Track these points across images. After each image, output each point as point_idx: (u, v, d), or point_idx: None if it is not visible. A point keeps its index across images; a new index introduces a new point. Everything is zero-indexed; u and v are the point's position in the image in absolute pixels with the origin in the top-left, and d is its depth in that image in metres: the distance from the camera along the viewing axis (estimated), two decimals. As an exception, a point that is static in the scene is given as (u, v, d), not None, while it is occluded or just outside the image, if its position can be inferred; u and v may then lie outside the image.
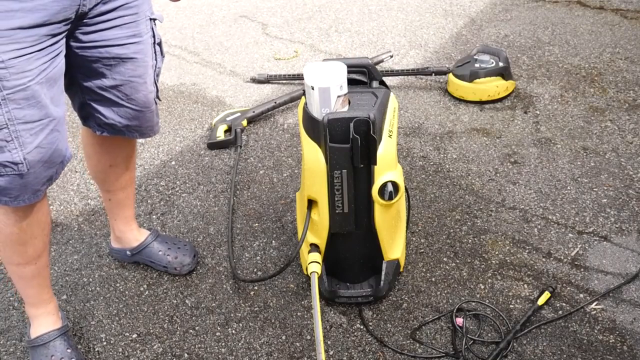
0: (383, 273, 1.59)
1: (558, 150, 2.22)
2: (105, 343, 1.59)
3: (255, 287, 1.72)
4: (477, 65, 2.52)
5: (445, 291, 1.67)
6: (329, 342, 1.55)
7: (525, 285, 1.67)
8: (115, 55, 1.31)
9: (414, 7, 3.55)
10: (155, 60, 1.42)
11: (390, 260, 1.59)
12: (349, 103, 1.43)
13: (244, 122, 2.45)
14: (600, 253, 1.76)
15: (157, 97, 1.47)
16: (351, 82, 1.51)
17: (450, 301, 1.64)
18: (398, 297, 1.66)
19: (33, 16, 1.10)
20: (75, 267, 1.84)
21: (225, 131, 2.41)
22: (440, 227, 1.89)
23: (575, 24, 3.17)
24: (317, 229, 1.52)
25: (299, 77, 2.76)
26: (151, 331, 1.61)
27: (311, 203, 1.51)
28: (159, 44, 1.42)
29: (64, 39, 1.21)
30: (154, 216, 2.02)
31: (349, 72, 1.47)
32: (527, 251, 1.78)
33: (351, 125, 1.33)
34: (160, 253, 1.76)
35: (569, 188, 2.02)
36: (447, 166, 2.17)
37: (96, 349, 1.58)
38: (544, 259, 1.75)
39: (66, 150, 1.26)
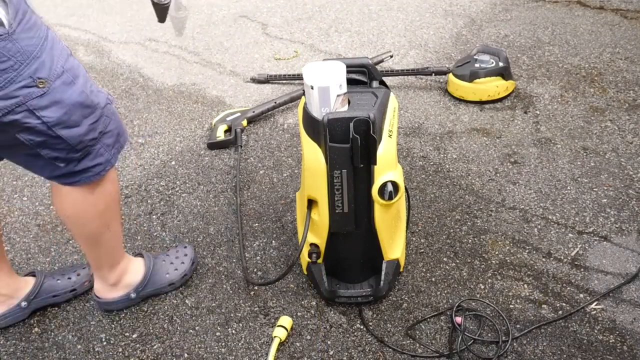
0: (383, 273, 1.59)
1: (558, 150, 2.22)
2: (105, 343, 1.59)
3: (255, 287, 1.72)
4: (477, 65, 2.52)
5: (445, 291, 1.67)
6: (329, 342, 1.55)
7: (525, 285, 1.67)
8: None
9: (414, 7, 3.56)
10: None
11: (390, 260, 1.60)
12: (349, 103, 1.43)
13: (244, 122, 2.45)
14: (600, 253, 1.76)
15: None
16: (351, 82, 1.51)
17: (450, 301, 1.64)
18: (398, 297, 1.66)
19: None
20: (75, 267, 1.84)
21: (225, 131, 2.41)
22: (440, 227, 1.89)
23: (575, 24, 3.17)
24: (317, 229, 1.52)
25: (299, 77, 2.76)
26: (151, 331, 1.61)
27: (311, 203, 1.51)
28: None
29: None
30: (154, 216, 2.02)
31: (349, 72, 1.47)
32: (527, 251, 1.78)
33: (351, 125, 1.33)
34: (59, 282, 1.68)
35: (569, 188, 2.02)
36: (447, 166, 2.17)
37: (96, 349, 1.58)
38: (544, 259, 1.75)
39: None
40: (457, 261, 1.77)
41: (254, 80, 2.84)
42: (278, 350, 1.53)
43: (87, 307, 1.70)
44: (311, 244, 1.56)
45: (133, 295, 1.64)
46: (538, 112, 2.45)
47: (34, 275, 1.66)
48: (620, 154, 2.16)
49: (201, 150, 2.37)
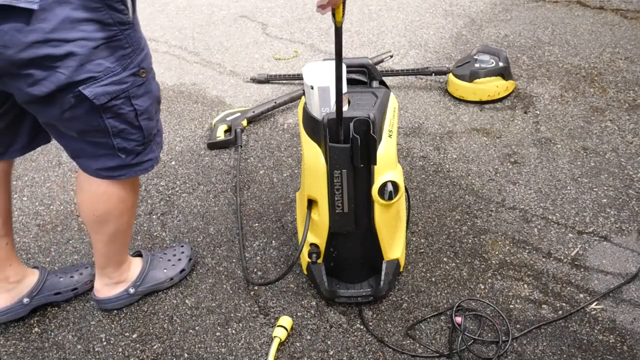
0: (383, 273, 1.59)
1: (558, 150, 2.22)
2: (105, 343, 1.59)
3: (255, 287, 1.72)
4: (477, 65, 2.52)
5: (445, 291, 1.67)
6: (329, 342, 1.55)
7: (525, 285, 1.67)
8: None
9: (414, 7, 3.55)
10: None
11: (390, 260, 1.59)
12: (349, 103, 1.43)
13: (244, 122, 2.45)
14: (600, 253, 1.76)
15: None
16: (351, 82, 1.51)
17: (450, 301, 1.64)
18: (398, 297, 1.66)
19: None
20: (75, 267, 1.84)
21: (225, 131, 2.41)
22: (440, 227, 1.89)
23: (575, 24, 3.17)
24: (317, 229, 1.52)
25: (299, 77, 2.76)
26: (151, 331, 1.61)
27: (311, 203, 1.51)
28: None
29: None
30: (154, 216, 2.02)
31: (349, 72, 1.47)
32: (527, 251, 1.78)
33: (351, 125, 1.33)
34: (62, 280, 1.68)
35: (569, 188, 2.02)
36: (447, 166, 2.17)
37: (96, 349, 1.58)
38: (544, 259, 1.75)
39: None
40: (457, 261, 1.77)
41: (254, 80, 2.83)
42: (278, 350, 1.53)
43: (87, 307, 1.69)
44: (311, 244, 1.56)
45: (132, 291, 1.65)
46: (538, 112, 2.45)
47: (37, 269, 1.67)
48: (620, 154, 2.16)
49: (201, 150, 2.37)
